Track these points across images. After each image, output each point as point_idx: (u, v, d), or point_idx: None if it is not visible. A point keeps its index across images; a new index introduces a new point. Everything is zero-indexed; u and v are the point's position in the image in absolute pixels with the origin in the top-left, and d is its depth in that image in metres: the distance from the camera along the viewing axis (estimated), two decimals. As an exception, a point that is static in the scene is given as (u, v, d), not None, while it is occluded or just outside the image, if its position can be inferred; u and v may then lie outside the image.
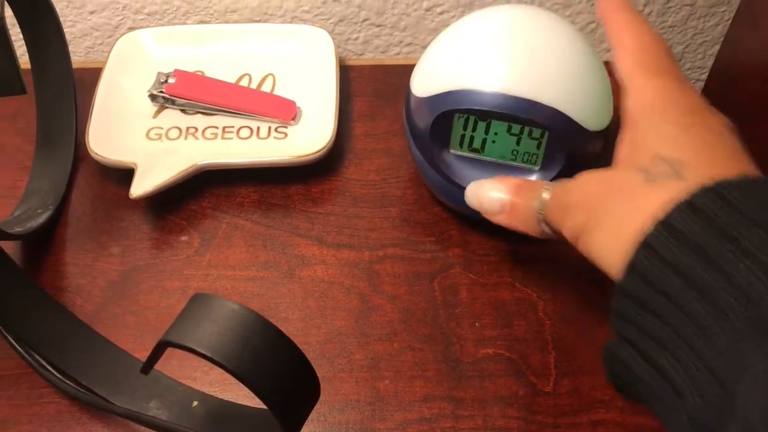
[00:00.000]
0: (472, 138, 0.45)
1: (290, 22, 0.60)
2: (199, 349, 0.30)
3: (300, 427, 0.34)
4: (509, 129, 0.43)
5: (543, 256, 0.47)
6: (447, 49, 0.45)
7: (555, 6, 0.58)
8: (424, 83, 0.45)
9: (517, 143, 0.44)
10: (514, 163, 0.45)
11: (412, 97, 0.46)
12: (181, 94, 0.53)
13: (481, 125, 0.44)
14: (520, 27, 0.44)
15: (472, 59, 0.43)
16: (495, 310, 0.45)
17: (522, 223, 0.36)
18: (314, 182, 0.51)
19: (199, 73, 0.56)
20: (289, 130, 0.52)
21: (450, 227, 0.49)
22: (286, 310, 0.45)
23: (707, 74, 0.54)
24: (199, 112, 0.54)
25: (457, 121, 0.44)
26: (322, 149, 0.50)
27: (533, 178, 0.45)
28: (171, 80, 0.53)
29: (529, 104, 0.41)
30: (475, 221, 0.48)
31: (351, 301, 0.45)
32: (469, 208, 0.42)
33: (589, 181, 0.32)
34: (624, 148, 0.32)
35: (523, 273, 0.47)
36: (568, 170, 0.44)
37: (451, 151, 0.46)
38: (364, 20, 0.59)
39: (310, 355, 0.43)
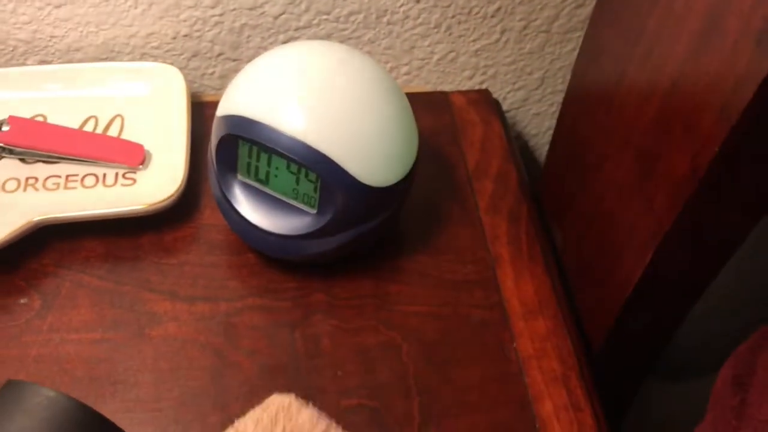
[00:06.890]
0: (257, 168, 0.44)
1: (139, 59, 0.56)
2: (6, 448, 0.27)
3: None
4: (288, 166, 0.42)
5: (407, 295, 0.46)
6: (249, 74, 0.43)
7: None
8: (222, 102, 0.44)
9: (297, 182, 0.43)
10: (295, 203, 0.44)
11: (215, 116, 0.45)
12: (16, 142, 0.49)
13: (264, 156, 0.43)
14: (324, 65, 0.42)
15: (262, 89, 0.42)
16: (358, 357, 0.43)
17: None
18: (167, 230, 0.48)
19: (40, 118, 0.52)
20: (138, 175, 0.49)
21: (313, 271, 0.47)
22: (136, 374, 0.42)
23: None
24: (39, 161, 0.50)
25: (241, 147, 0.43)
26: (172, 195, 0.47)
27: (308, 220, 0.43)
28: (5, 128, 0.49)
29: (300, 146, 0.40)
30: (337, 267, 0.47)
31: (206, 359, 0.43)
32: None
33: None
34: None
35: (388, 314, 0.45)
36: (344, 220, 0.43)
37: (239, 176, 0.45)
38: (219, 54, 0.57)
39: (162, 421, 0.41)
